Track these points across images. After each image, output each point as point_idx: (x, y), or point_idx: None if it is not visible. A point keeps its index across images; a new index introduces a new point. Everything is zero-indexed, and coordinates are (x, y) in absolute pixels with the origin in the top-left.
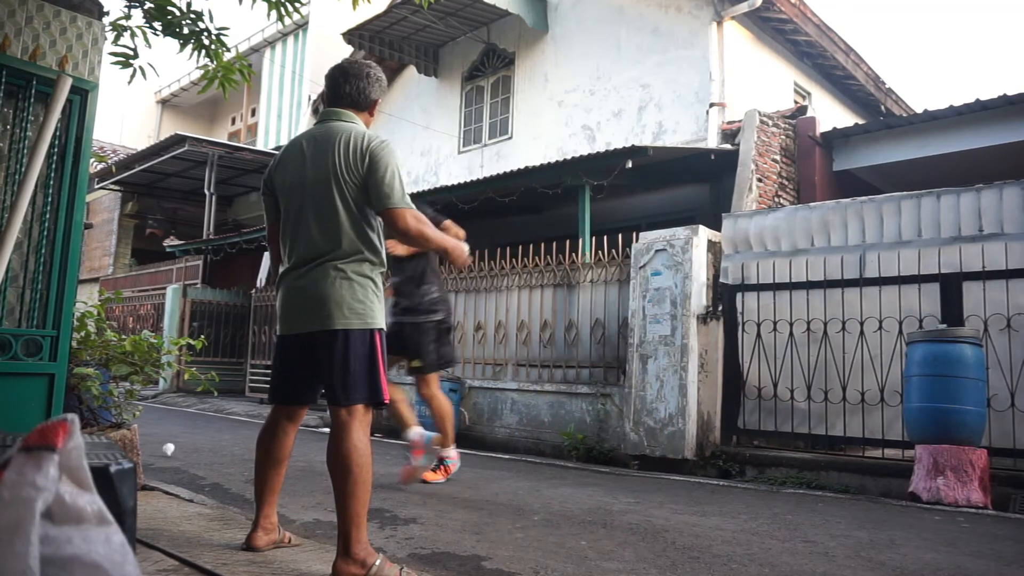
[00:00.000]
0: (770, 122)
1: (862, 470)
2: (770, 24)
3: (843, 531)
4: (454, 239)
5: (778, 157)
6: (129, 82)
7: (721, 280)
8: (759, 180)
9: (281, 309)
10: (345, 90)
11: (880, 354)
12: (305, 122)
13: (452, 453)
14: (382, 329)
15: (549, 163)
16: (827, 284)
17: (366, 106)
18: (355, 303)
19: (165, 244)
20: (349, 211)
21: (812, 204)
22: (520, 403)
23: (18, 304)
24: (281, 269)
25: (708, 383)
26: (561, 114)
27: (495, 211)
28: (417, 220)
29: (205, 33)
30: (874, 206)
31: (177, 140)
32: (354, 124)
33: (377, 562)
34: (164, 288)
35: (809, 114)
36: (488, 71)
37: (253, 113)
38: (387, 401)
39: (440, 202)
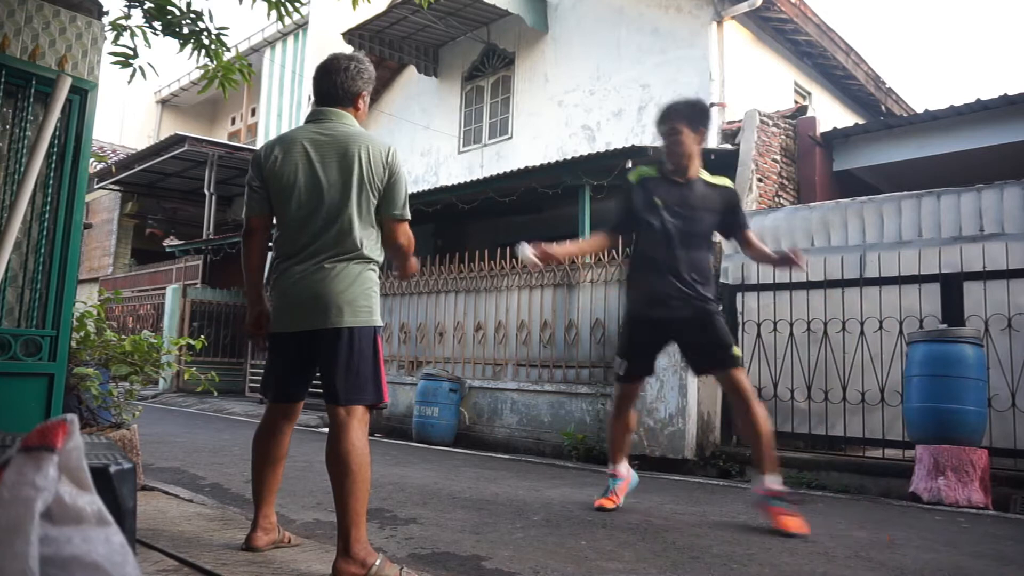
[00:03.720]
0: (770, 122)
1: (862, 470)
2: (770, 24)
3: (843, 531)
4: None
5: (778, 157)
6: (129, 82)
7: (721, 280)
8: (759, 180)
9: (283, 305)
10: (324, 87)
11: (880, 354)
12: None
13: None
14: (380, 328)
15: (549, 163)
16: (827, 284)
17: (350, 101)
18: (363, 301)
19: (165, 244)
20: (366, 216)
21: (812, 204)
22: (520, 403)
23: (17, 304)
24: (278, 264)
25: (708, 383)
26: (561, 114)
27: (495, 211)
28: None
29: (205, 33)
30: (874, 206)
31: (177, 140)
32: (356, 126)
33: (377, 562)
34: (164, 288)
35: (809, 114)
36: (488, 71)
37: (253, 113)
38: (387, 402)
39: (440, 202)
